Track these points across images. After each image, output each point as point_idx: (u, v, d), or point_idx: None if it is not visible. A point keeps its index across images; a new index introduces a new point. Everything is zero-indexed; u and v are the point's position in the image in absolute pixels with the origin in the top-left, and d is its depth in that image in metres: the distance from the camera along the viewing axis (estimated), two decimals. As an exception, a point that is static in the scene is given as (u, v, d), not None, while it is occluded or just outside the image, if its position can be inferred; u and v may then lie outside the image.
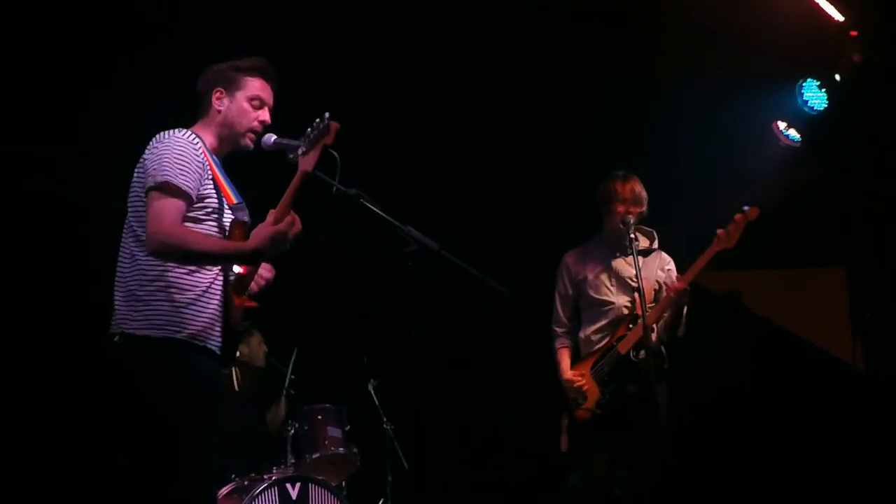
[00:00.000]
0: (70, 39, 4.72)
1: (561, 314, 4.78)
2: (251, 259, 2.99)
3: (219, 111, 3.17)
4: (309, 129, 2.94)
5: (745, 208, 4.44)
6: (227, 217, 3.06)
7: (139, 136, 3.10)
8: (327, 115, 2.89)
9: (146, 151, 3.01)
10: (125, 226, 3.04)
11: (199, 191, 2.97)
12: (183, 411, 2.88)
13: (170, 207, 2.88)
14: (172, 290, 2.93)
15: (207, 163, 3.03)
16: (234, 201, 3.09)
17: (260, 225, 2.94)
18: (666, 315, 4.47)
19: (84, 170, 5.25)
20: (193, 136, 3.05)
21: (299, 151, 2.97)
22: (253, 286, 3.16)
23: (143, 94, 4.77)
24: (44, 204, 5.36)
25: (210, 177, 3.03)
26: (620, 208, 4.54)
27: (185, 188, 2.91)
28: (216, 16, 4.70)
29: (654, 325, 4.45)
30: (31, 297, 5.23)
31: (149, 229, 2.88)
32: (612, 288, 4.64)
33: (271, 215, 2.94)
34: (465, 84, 5.49)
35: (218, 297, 3.04)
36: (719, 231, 4.42)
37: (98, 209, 5.16)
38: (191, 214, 2.96)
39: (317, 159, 2.91)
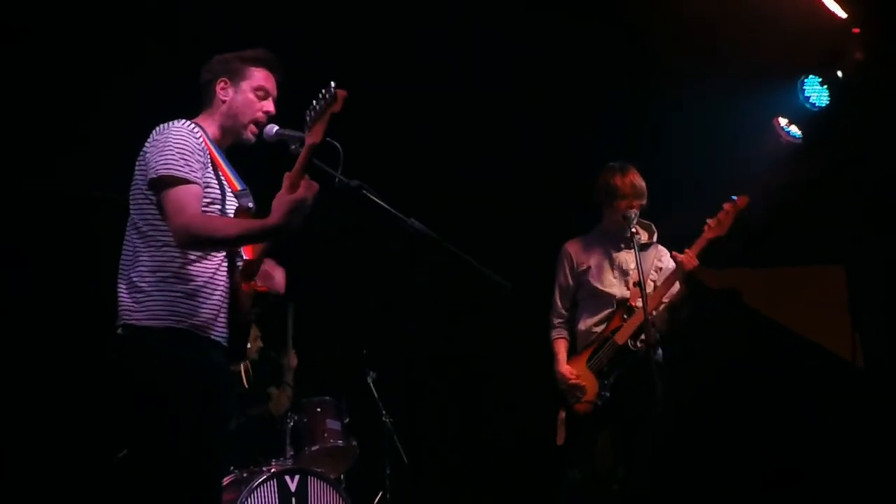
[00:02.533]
0: (71, 35, 4.73)
1: (560, 305, 4.77)
2: (277, 234, 2.83)
3: (223, 101, 3.15)
4: (314, 102, 2.81)
5: (734, 198, 4.48)
6: (231, 204, 3.04)
7: (136, 129, 3.09)
8: (333, 83, 2.77)
9: (146, 144, 2.99)
10: (129, 220, 3.01)
11: (202, 179, 2.94)
12: (186, 402, 2.85)
13: (186, 197, 2.85)
14: (174, 279, 2.92)
15: (209, 151, 3.01)
16: (238, 188, 3.07)
17: (277, 195, 2.81)
18: (667, 300, 4.46)
19: (83, 165, 5.24)
20: (194, 125, 3.03)
21: (304, 131, 2.85)
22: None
23: (145, 88, 4.77)
24: (43, 201, 5.35)
25: (212, 165, 3.01)
26: (622, 204, 4.54)
27: (191, 177, 2.88)
28: (219, 10, 4.70)
29: (653, 313, 4.44)
30: (32, 294, 5.22)
31: (172, 223, 2.84)
32: (615, 280, 4.65)
33: (287, 179, 2.82)
34: (465, 83, 5.48)
35: (223, 286, 3.01)
36: (709, 220, 4.45)
37: (100, 204, 5.15)
38: None
39: (325, 129, 2.78)
